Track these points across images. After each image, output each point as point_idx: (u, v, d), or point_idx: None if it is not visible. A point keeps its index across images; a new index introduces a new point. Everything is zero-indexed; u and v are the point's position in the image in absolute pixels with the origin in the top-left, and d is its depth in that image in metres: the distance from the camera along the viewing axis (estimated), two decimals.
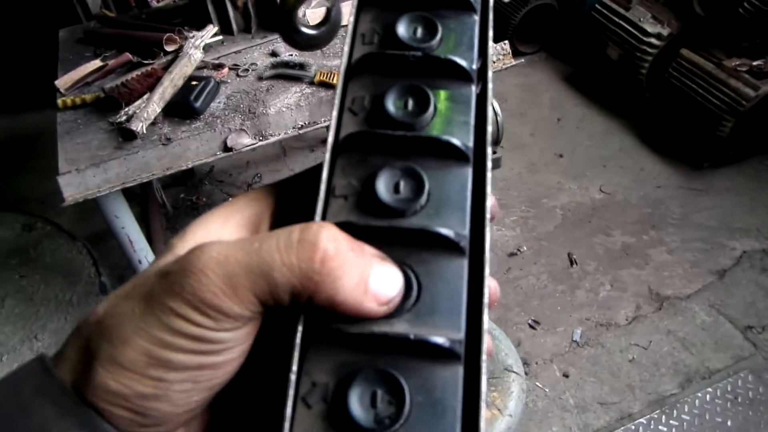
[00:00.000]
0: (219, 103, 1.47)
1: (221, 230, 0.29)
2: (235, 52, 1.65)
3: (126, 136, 1.38)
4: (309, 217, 0.27)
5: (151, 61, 1.60)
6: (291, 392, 0.25)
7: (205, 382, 0.26)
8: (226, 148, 1.38)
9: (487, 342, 0.26)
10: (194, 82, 1.49)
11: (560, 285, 2.18)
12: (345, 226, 0.26)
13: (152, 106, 1.41)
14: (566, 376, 1.92)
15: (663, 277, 2.18)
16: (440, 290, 0.26)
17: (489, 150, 0.29)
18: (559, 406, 1.85)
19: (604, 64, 2.90)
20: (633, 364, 1.93)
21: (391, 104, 0.29)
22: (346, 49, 0.31)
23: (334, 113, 0.30)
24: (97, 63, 1.67)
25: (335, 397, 0.25)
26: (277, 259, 0.24)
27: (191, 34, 1.65)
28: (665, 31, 2.55)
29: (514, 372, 1.25)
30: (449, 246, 0.26)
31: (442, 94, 0.30)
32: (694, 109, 2.43)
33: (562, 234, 2.36)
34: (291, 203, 0.31)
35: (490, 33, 0.32)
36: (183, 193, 2.68)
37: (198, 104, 1.42)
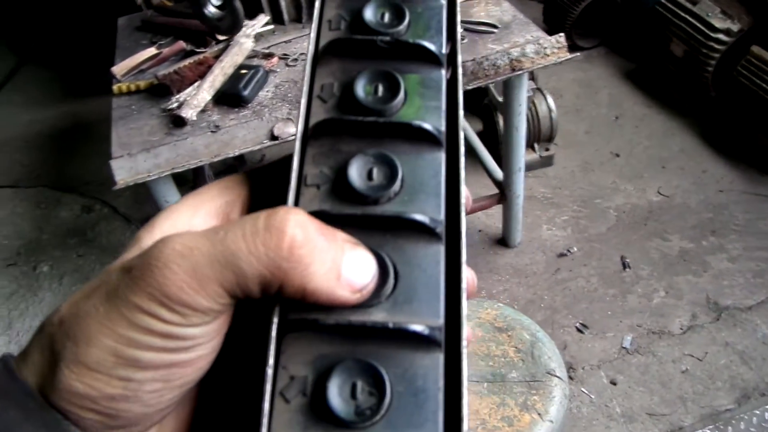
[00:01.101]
0: (267, 92, 1.48)
1: (190, 220, 0.28)
2: (285, 42, 1.65)
3: (176, 122, 1.40)
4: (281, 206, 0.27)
5: (204, 50, 1.62)
6: (268, 387, 0.24)
7: (176, 380, 0.25)
8: (273, 137, 1.38)
9: (466, 329, 0.25)
10: (244, 71, 1.50)
11: (611, 289, 2.10)
12: (318, 215, 0.25)
13: (202, 93, 1.43)
14: (614, 383, 1.85)
15: (722, 286, 2.07)
16: (417, 277, 0.26)
17: (461, 134, 0.29)
18: (605, 414, 1.78)
19: (668, 60, 2.77)
20: (686, 375, 1.84)
21: (360, 90, 0.28)
22: (313, 35, 0.31)
23: (303, 101, 0.29)
24: (152, 51, 1.71)
25: (314, 390, 0.24)
26: (243, 247, 0.23)
27: (244, 23, 1.66)
28: (735, 27, 2.41)
29: (556, 376, 1.21)
30: (425, 232, 0.26)
31: (412, 78, 0.29)
32: (764, 109, 2.29)
33: (615, 236, 2.28)
34: (264, 192, 0.30)
35: (458, 17, 0.32)
36: None
37: (247, 93, 1.43)
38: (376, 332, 0.25)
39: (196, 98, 1.42)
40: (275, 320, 0.25)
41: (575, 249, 2.24)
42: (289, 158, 0.29)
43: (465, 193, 0.28)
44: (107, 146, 1.40)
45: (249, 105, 1.44)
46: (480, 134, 2.45)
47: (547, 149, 2.47)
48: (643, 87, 2.96)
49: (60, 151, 2.99)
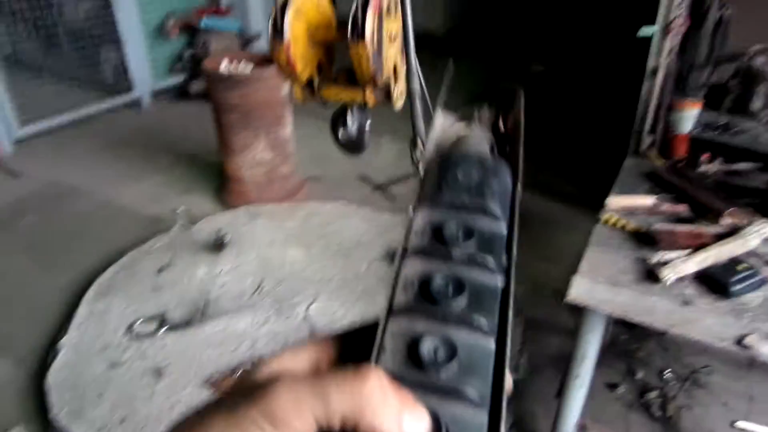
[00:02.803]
0: (757, 296, 1.38)
1: (291, 365, 0.37)
2: None
3: (651, 276, 1.43)
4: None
5: (705, 224, 1.61)
6: None
7: None
8: (740, 344, 1.28)
9: None
10: (739, 265, 1.43)
11: None
12: (392, 376, 0.33)
13: (689, 264, 1.43)
14: None
15: None
16: None
17: (509, 330, 0.35)
18: None
19: None
20: None
21: (435, 287, 0.37)
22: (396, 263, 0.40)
23: (390, 290, 0.38)
24: (650, 200, 1.78)
25: None
26: (335, 389, 0.31)
27: (757, 221, 1.60)
28: None
29: None
30: (474, 404, 0.33)
31: (475, 284, 0.38)
32: None
33: None
34: (348, 352, 0.40)
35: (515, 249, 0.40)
36: (625, 335, 2.64)
37: (735, 287, 1.37)
38: None
39: (681, 266, 1.42)
40: None
41: None
42: (368, 328, 0.37)
43: (509, 379, 0.35)
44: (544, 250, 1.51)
45: (730, 299, 1.37)
46: None
47: None
48: None
49: None
